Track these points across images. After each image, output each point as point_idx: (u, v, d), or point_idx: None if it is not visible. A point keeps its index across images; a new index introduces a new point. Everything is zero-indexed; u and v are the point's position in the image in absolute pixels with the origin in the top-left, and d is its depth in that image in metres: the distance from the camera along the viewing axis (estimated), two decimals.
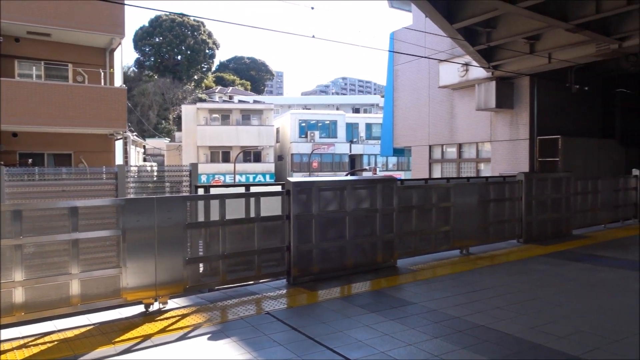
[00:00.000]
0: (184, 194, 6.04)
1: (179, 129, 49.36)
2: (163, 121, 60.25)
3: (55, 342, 4.27)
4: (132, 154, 27.96)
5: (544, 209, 9.53)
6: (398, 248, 7.29)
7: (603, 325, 4.64)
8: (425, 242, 7.83)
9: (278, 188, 6.59)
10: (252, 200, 6.03)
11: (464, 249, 8.25)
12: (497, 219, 8.83)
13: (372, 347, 4.12)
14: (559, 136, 16.50)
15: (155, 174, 10.52)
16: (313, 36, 8.75)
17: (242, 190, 6.46)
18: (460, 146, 20.15)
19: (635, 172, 12.32)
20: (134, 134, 29.65)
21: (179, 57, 68.18)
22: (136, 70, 68.49)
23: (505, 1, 12.23)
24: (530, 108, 17.30)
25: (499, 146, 18.26)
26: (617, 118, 19.17)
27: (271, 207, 6.28)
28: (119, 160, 16.98)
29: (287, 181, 6.35)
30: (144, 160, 39.51)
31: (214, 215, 5.76)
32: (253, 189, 6.48)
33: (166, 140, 47.84)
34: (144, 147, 40.18)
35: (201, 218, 5.77)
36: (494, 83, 17.37)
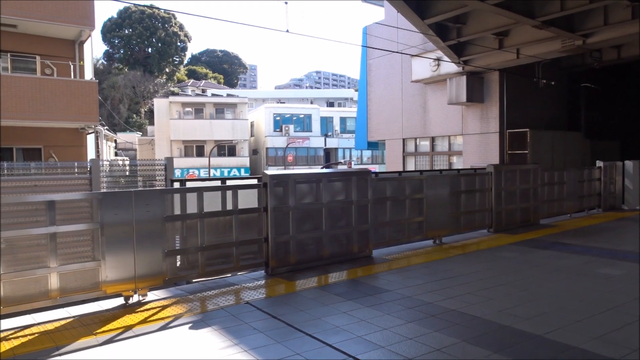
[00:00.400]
0: (162, 187, 6.07)
1: (151, 123, 48.61)
2: (134, 115, 59.20)
3: (36, 335, 4.30)
4: (104, 149, 27.48)
5: (513, 199, 9.88)
6: (373, 238, 7.48)
7: (566, 307, 4.92)
8: (399, 232, 8.05)
9: (254, 181, 6.70)
10: (230, 193, 6.10)
11: (436, 238, 8.51)
12: (468, 210, 9.12)
13: (349, 332, 4.28)
14: (527, 129, 17.00)
15: (131, 168, 10.45)
16: (287, 30, 8.82)
17: (218, 183, 6.54)
18: (433, 139, 20.53)
19: (599, 163, 12.84)
20: (105, 128, 29.09)
21: (150, 50, 66.96)
22: (105, 62, 67.00)
23: None
24: (500, 102, 17.76)
25: (470, 139, 18.70)
26: (582, 112, 19.85)
27: (247, 200, 6.38)
28: (90, 154, 16.70)
29: (264, 174, 6.45)
30: (116, 154, 38.81)
31: (191, 209, 5.83)
32: (229, 183, 6.57)
33: (138, 135, 47.07)
34: (115, 141, 39.47)
35: (177, 211, 5.82)
36: (464, 78, 17.76)
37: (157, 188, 5.76)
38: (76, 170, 9.94)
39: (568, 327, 4.35)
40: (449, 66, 17.84)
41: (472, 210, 9.19)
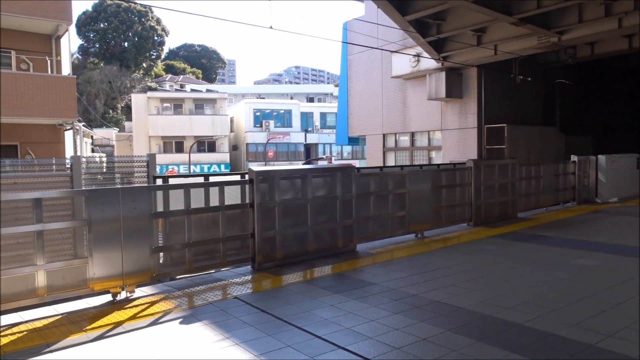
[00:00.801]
0: (150, 184, 6.07)
1: (129, 119, 47.96)
2: (111, 110, 58.21)
3: (25, 332, 4.30)
4: (81, 145, 27.01)
5: (492, 193, 10.13)
6: (357, 233, 7.60)
7: (544, 296, 5.12)
8: (382, 227, 8.19)
9: (237, 177, 6.77)
10: (217, 189, 6.15)
11: (418, 232, 8.69)
12: (449, 204, 9.33)
13: (337, 324, 4.39)
14: (504, 124, 17.34)
15: (112, 165, 10.35)
16: (270, 27, 8.86)
17: (201, 180, 6.58)
18: (412, 135, 20.77)
19: (573, 158, 13.20)
20: (82, 124, 28.59)
21: (126, 44, 65.87)
22: (80, 57, 65.65)
23: None
24: (478, 98, 18.07)
25: (449, 134, 18.99)
26: (557, 107, 20.33)
27: (231, 196, 6.42)
28: (68, 151, 16.45)
29: (250, 170, 6.51)
30: (92, 151, 38.17)
31: (175, 205, 5.84)
32: (215, 179, 6.62)
33: (115, 130, 46.35)
34: (92, 137, 38.81)
35: (160, 208, 5.81)
36: (443, 73, 18.00)
37: (145, 185, 5.76)
38: (54, 167, 9.82)
39: (546, 315, 4.54)
40: (429, 62, 18.06)
41: (452, 205, 9.40)
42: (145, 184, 6.35)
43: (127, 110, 55.89)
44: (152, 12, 66.63)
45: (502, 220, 10.31)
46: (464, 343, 3.89)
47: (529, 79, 17.88)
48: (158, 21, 67.88)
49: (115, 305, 5.06)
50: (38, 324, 4.50)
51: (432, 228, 9.04)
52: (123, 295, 5.31)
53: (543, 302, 4.92)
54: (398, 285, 5.62)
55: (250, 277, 6.12)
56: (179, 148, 38.69)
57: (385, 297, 5.17)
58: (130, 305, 5.05)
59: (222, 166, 39.18)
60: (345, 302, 5.01)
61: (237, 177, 6.92)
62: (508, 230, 9.21)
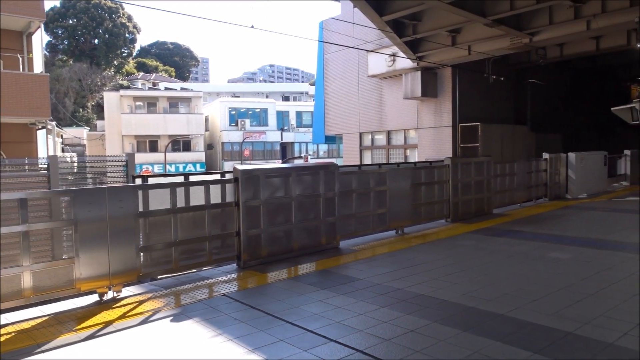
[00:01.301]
0: (137, 184, 6.04)
1: (100, 118, 47.02)
2: (81, 109, 56.93)
3: (13, 334, 4.26)
4: (51, 144, 26.42)
5: (468, 190, 10.40)
6: (340, 230, 7.73)
7: (523, 288, 5.34)
8: (364, 224, 8.34)
9: (218, 176, 6.80)
10: (202, 188, 6.18)
11: (399, 229, 8.87)
12: (428, 201, 9.54)
13: (327, 318, 4.50)
14: (478, 123, 17.76)
15: (85, 164, 10.19)
16: (252, 26, 8.89)
17: (180, 179, 6.56)
18: (389, 133, 21.05)
19: (545, 155, 13.64)
20: (53, 122, 27.93)
21: (96, 41, 64.44)
22: (48, 54, 63.94)
23: None
24: (453, 97, 18.45)
25: (425, 133, 19.32)
26: (528, 106, 20.90)
27: (214, 195, 6.41)
28: (41, 151, 16.09)
29: (235, 169, 6.55)
30: (62, 150, 37.31)
31: (158, 205, 5.82)
32: (193, 178, 6.62)
33: (86, 130, 45.39)
34: (62, 136, 37.93)
35: (140, 207, 5.74)
36: (419, 73, 18.31)
37: (131, 184, 5.74)
38: (27, 167, 9.63)
39: (526, 305, 4.75)
40: (405, 62, 18.34)
41: (431, 202, 9.62)
42: (131, 184, 6.32)
43: (98, 108, 54.76)
44: (123, 9, 65.36)
45: (478, 216, 10.60)
46: (451, 333, 4.05)
47: (502, 78, 18.35)
48: (129, 18, 66.65)
49: (102, 305, 5.05)
50: (26, 325, 4.47)
51: (412, 224, 9.24)
52: (110, 295, 5.30)
53: (522, 294, 5.13)
54: (382, 280, 5.76)
55: (236, 275, 6.17)
56: (153, 147, 38.17)
57: (371, 292, 5.31)
58: (118, 304, 5.04)
59: (198, 165, 38.84)
60: (332, 297, 5.13)
61: (217, 176, 6.96)
62: (485, 226, 9.49)
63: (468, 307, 4.75)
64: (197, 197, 6.19)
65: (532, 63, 19.56)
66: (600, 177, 15.25)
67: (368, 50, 18.76)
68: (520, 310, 4.61)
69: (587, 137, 25.06)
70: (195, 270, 6.31)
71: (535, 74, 20.46)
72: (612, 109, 16.51)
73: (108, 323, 4.49)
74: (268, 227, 6.74)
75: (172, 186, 5.92)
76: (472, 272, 6.07)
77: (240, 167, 6.55)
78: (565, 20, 14.54)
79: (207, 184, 6.26)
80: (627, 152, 17.78)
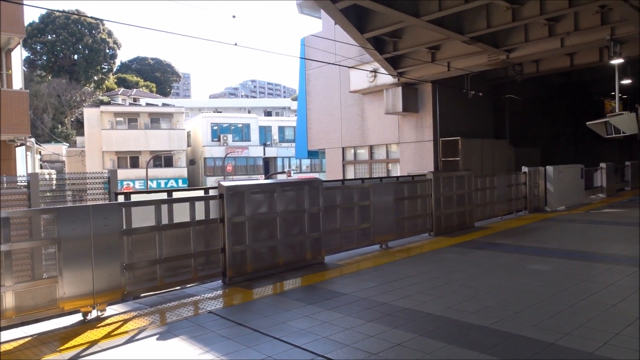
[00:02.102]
0: (122, 201, 6.00)
1: (79, 133, 46.47)
2: (60, 125, 56.17)
3: None
4: (30, 161, 26.00)
5: (450, 204, 10.55)
6: (325, 245, 7.77)
7: (505, 300, 5.44)
8: (348, 238, 8.40)
9: (201, 192, 6.80)
10: (187, 205, 6.17)
11: (383, 243, 8.95)
12: (411, 215, 9.65)
13: (314, 333, 4.52)
14: (458, 137, 18.06)
15: (64, 181, 10.08)
16: (235, 44, 8.97)
17: (164, 196, 6.52)
18: (371, 148, 21.24)
19: (524, 169, 13.92)
20: (32, 139, 27.52)
21: (76, 57, 63.89)
22: (26, 69, 63.10)
23: (410, 14, 13.29)
24: (433, 112, 18.75)
25: (407, 147, 19.56)
26: (506, 121, 21.35)
27: (198, 211, 6.40)
28: (20, 168, 15.83)
29: (220, 185, 6.57)
30: (41, 167, 36.69)
31: (142, 222, 5.79)
32: (176, 194, 6.58)
33: (65, 146, 44.74)
34: (40, 153, 37.33)
35: (125, 225, 5.68)
36: (400, 89, 18.60)
37: (115, 202, 5.71)
38: (5, 185, 9.48)
39: (509, 317, 4.84)
40: (386, 77, 18.62)
41: (414, 216, 9.73)
42: (115, 201, 6.27)
43: (78, 124, 54.14)
44: (103, 25, 65.04)
45: (460, 229, 10.75)
46: (437, 346, 4.11)
47: (480, 94, 18.75)
48: (109, 34, 66.35)
49: (86, 324, 4.98)
50: (8, 347, 4.38)
51: (395, 239, 9.32)
52: (94, 314, 5.23)
53: (505, 306, 5.23)
54: (368, 295, 5.81)
55: (222, 291, 6.15)
56: (134, 163, 37.79)
57: (357, 306, 5.35)
58: (102, 324, 4.99)
59: (180, 181, 38.54)
60: (319, 313, 5.15)
61: (201, 193, 6.95)
62: (467, 239, 9.62)
63: (453, 320, 4.82)
64: (182, 213, 6.18)
65: (509, 78, 20.04)
66: (577, 190, 15.61)
67: (349, 67, 19.01)
68: (504, 322, 4.70)
69: (565, 151, 25.67)
70: (180, 288, 6.27)
71: (512, 89, 20.95)
72: (587, 123, 16.97)
73: (93, 343, 4.44)
74: (253, 243, 6.74)
75: (157, 203, 5.91)
76: (456, 285, 6.15)
77: (225, 184, 6.57)
78: (540, 37, 14.98)
79: (192, 200, 6.26)
80: (602, 165, 18.25)
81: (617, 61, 15.02)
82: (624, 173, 20.74)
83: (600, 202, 16.40)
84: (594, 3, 13.15)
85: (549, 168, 14.24)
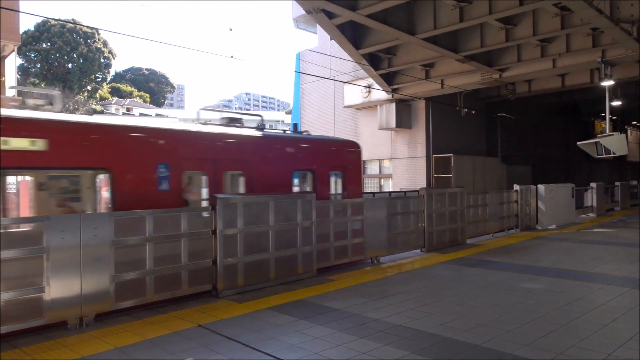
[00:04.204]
0: (113, 212, 5.93)
1: None
2: None
3: None
4: None
5: (443, 220, 10.56)
6: (317, 259, 7.72)
7: (498, 318, 5.41)
8: (341, 253, 8.35)
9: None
10: (181, 216, 6.12)
11: (375, 258, 8.92)
12: (404, 231, 9.64)
13: (305, 349, 4.46)
14: (451, 154, 18.18)
15: None
16: (232, 56, 9.01)
17: None
18: (364, 163, 21.29)
19: (516, 187, 14.00)
20: None
21: (70, 65, 63.79)
22: (20, 77, 62.86)
23: (406, 32, 13.44)
24: (426, 128, 18.89)
25: (399, 163, 19.64)
26: (498, 139, 21.55)
27: (190, 223, 6.33)
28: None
29: (213, 197, 6.52)
30: None
31: (130, 233, 5.72)
32: None
33: None
34: None
35: (115, 236, 5.59)
36: (394, 105, 18.74)
37: (106, 212, 5.65)
38: None
39: (501, 336, 4.82)
40: (380, 93, 18.76)
41: (406, 231, 9.72)
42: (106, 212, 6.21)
43: None
44: (98, 34, 65.12)
45: (452, 246, 10.74)
46: None
47: (473, 112, 18.93)
48: (105, 43, 66.38)
49: (73, 336, 4.88)
50: None
51: (388, 254, 9.29)
52: (82, 325, 5.13)
53: (497, 324, 5.20)
54: (360, 310, 5.76)
55: (212, 304, 6.07)
56: None
57: (349, 322, 5.30)
58: (90, 336, 4.89)
59: None
60: (310, 328, 5.09)
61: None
62: (459, 256, 9.61)
63: (445, 337, 4.79)
64: (174, 225, 6.12)
65: (502, 97, 20.28)
66: (568, 209, 15.71)
67: (344, 82, 19.14)
68: (496, 341, 4.67)
69: (556, 170, 25.90)
70: (170, 300, 6.17)
71: (505, 108, 21.18)
72: (578, 143, 17.17)
73: (79, 355, 4.34)
74: (245, 255, 6.69)
75: (149, 214, 5.84)
76: (448, 303, 6.13)
77: (218, 195, 6.53)
78: (533, 58, 15.20)
79: (184, 211, 6.21)
80: (593, 184, 18.42)
81: (607, 83, 15.26)
82: (613, 193, 20.94)
83: (591, 221, 16.51)
84: (585, 26, 13.39)
85: (541, 187, 14.33)
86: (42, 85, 60.94)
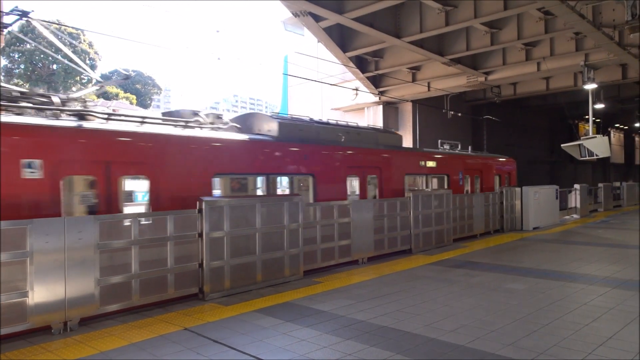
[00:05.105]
0: (98, 215, 5.87)
1: None
2: None
3: None
4: None
5: (429, 222, 10.65)
6: (304, 262, 7.74)
7: (481, 319, 5.48)
8: (328, 255, 8.38)
9: None
10: (167, 218, 6.10)
11: (362, 260, 8.96)
12: (390, 232, 9.70)
13: (292, 351, 4.48)
14: None
15: None
16: (219, 59, 8.99)
17: (142, 210, 6.47)
18: None
19: (501, 189, 14.15)
20: None
21: (55, 67, 63.06)
22: (3, 78, 61.94)
23: (392, 35, 13.55)
24: (413, 131, 19.03)
25: None
26: (484, 141, 21.76)
27: (176, 226, 6.32)
28: None
29: (199, 199, 6.52)
30: None
31: (116, 236, 5.70)
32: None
33: None
34: None
35: (100, 239, 5.59)
36: (381, 107, 18.86)
37: (91, 215, 5.60)
38: None
39: (485, 336, 4.88)
40: (367, 96, 18.84)
41: (393, 233, 9.78)
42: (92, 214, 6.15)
43: None
44: (84, 35, 64.47)
45: (439, 247, 10.84)
46: None
47: (459, 114, 19.11)
48: (90, 44, 65.70)
49: (57, 340, 4.85)
50: None
51: (375, 256, 9.34)
52: (66, 329, 5.09)
53: (481, 324, 5.27)
54: (346, 312, 5.79)
55: (199, 307, 6.06)
56: None
57: (335, 324, 5.33)
58: (74, 340, 4.86)
59: None
60: (297, 330, 5.11)
61: None
62: (445, 257, 9.70)
63: (430, 338, 4.84)
64: (160, 228, 6.10)
65: (487, 100, 20.51)
66: (552, 210, 15.92)
67: (332, 84, 19.22)
68: (480, 341, 4.73)
69: (541, 171, 26.22)
70: (156, 303, 6.15)
71: (491, 111, 21.41)
72: (562, 145, 17.41)
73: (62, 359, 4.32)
74: (231, 258, 6.69)
75: (134, 217, 5.82)
76: (434, 304, 6.19)
77: (205, 198, 6.52)
78: (518, 61, 15.41)
79: (170, 214, 6.19)
80: (576, 186, 18.68)
81: (590, 86, 15.52)
82: (597, 194, 21.26)
83: (574, 222, 16.75)
84: (568, 30, 13.61)
85: (525, 188, 14.51)
86: (27, 86, 60.17)
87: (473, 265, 8.89)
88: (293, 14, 13.51)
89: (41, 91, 6.83)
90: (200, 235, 6.42)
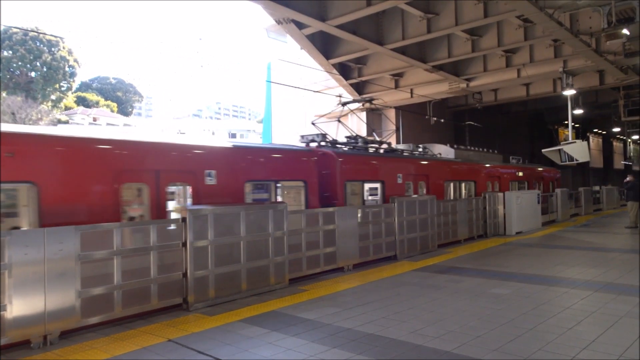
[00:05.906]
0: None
1: None
2: None
3: None
4: None
5: (413, 228, 10.69)
6: (289, 270, 7.70)
7: (467, 324, 5.50)
8: (313, 262, 8.35)
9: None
10: (150, 228, 6.02)
11: (348, 267, 8.95)
12: (375, 239, 9.71)
13: None
14: None
15: None
16: (201, 66, 8.95)
17: None
18: None
19: (484, 194, 14.29)
20: None
21: (33, 74, 62.08)
22: None
23: (375, 42, 13.64)
24: (397, 136, 19.14)
25: None
26: (467, 146, 22.00)
27: (159, 235, 6.24)
28: None
29: (182, 208, 6.45)
30: None
31: (98, 246, 5.60)
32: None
33: None
34: None
35: (81, 250, 5.49)
36: (364, 114, 18.93)
37: (72, 226, 5.49)
38: None
39: (471, 342, 4.90)
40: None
41: (378, 240, 9.79)
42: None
43: None
44: (63, 42, 63.65)
45: (423, 253, 10.88)
46: None
47: (442, 120, 19.29)
48: (70, 52, 64.89)
49: (37, 355, 4.73)
50: None
51: (360, 262, 9.34)
52: (46, 343, 4.97)
53: (467, 330, 5.29)
54: (332, 320, 5.77)
55: (183, 318, 5.97)
56: None
57: (322, 332, 5.29)
58: (55, 354, 4.74)
59: None
60: (282, 339, 5.07)
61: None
62: (430, 263, 9.74)
63: (416, 345, 4.83)
64: (142, 237, 6.02)
65: (469, 106, 20.76)
66: (534, 215, 16.12)
67: (315, 91, 19.25)
68: (466, 347, 4.75)
69: None
70: (139, 314, 6.04)
71: (472, 117, 21.67)
72: (542, 150, 17.68)
73: None
74: (216, 267, 6.62)
75: (117, 227, 5.73)
76: (419, 310, 6.19)
77: (189, 207, 6.45)
78: (498, 68, 15.64)
79: (153, 224, 6.11)
80: (557, 190, 18.97)
81: (569, 92, 15.81)
82: (578, 198, 21.61)
83: (556, 226, 16.98)
84: (547, 37, 13.87)
85: (508, 193, 14.68)
86: (4, 94, 59.07)
87: (458, 270, 8.94)
88: (276, 21, 13.53)
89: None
90: (185, 244, 6.34)
